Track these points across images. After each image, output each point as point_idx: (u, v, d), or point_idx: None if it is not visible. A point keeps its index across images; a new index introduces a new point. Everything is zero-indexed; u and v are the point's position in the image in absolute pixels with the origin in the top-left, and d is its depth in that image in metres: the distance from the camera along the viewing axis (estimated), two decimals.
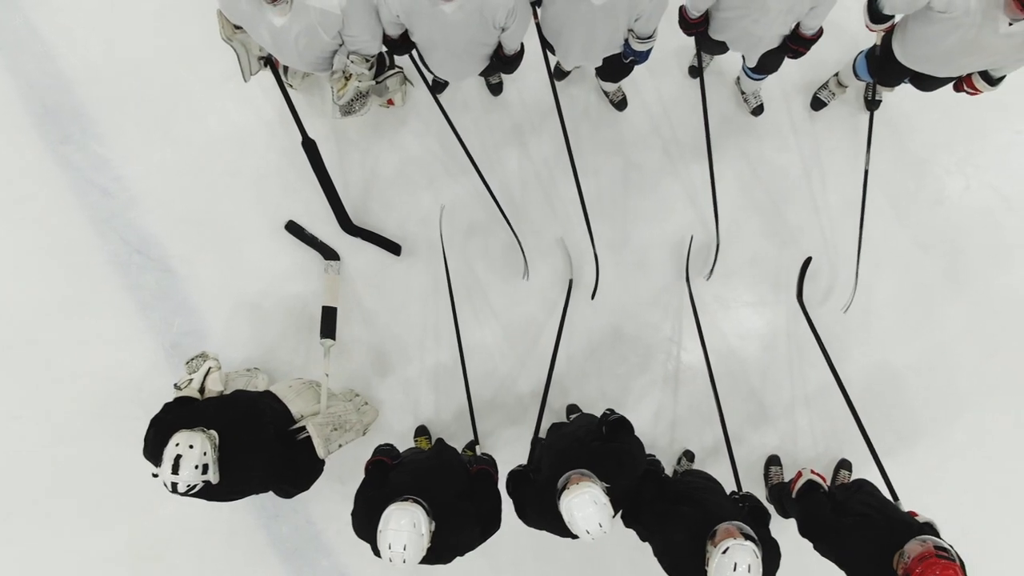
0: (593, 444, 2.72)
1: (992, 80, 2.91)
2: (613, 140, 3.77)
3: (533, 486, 2.71)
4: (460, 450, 3.62)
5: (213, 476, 2.53)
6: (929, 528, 2.69)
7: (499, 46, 2.98)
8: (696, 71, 3.72)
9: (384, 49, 3.00)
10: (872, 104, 3.67)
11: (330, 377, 3.61)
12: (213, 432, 2.60)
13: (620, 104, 3.73)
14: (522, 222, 3.71)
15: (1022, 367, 3.71)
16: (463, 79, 3.17)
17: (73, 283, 3.74)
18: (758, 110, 3.71)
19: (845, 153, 3.71)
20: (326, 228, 3.72)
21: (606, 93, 3.70)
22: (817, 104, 3.74)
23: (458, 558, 2.64)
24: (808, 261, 3.67)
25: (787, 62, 3.69)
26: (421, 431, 3.69)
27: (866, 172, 3.36)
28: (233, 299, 3.75)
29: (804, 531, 2.80)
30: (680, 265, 3.73)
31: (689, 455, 3.69)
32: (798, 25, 2.91)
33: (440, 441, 2.97)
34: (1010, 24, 2.51)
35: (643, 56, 3.05)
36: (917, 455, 3.74)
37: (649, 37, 2.93)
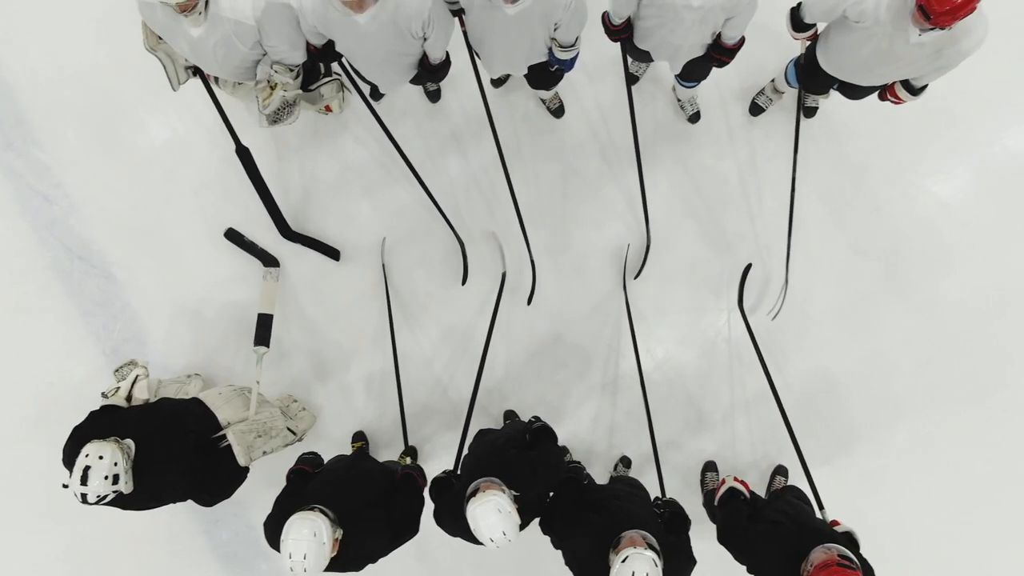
0: (510, 452, 2.74)
1: (914, 90, 2.91)
2: (552, 146, 3.78)
3: (452, 493, 2.73)
4: (397, 456, 3.66)
5: (125, 486, 2.55)
6: (847, 538, 2.71)
7: (425, 55, 2.99)
8: (634, 78, 3.72)
9: (306, 59, 3.01)
10: (807, 111, 3.69)
11: (270, 383, 3.67)
12: (129, 441, 2.62)
13: (557, 111, 3.74)
14: (462, 228, 3.72)
15: (959, 372, 3.71)
16: (393, 87, 3.19)
17: (15, 289, 3.78)
18: (695, 117, 3.72)
19: (783, 159, 3.70)
20: (267, 233, 3.73)
21: (543, 100, 3.71)
22: (755, 110, 3.74)
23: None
24: (748, 268, 3.68)
25: (725, 68, 3.70)
26: (359, 437, 3.70)
27: (793, 180, 3.37)
28: (174, 305, 3.78)
29: (720, 538, 2.81)
30: (620, 271, 3.74)
31: (626, 461, 3.71)
32: (719, 35, 2.91)
33: (360, 448, 2.98)
34: (920, 34, 2.51)
35: (568, 64, 3.05)
36: (856, 460, 3.76)
37: (571, 46, 2.94)
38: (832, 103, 3.65)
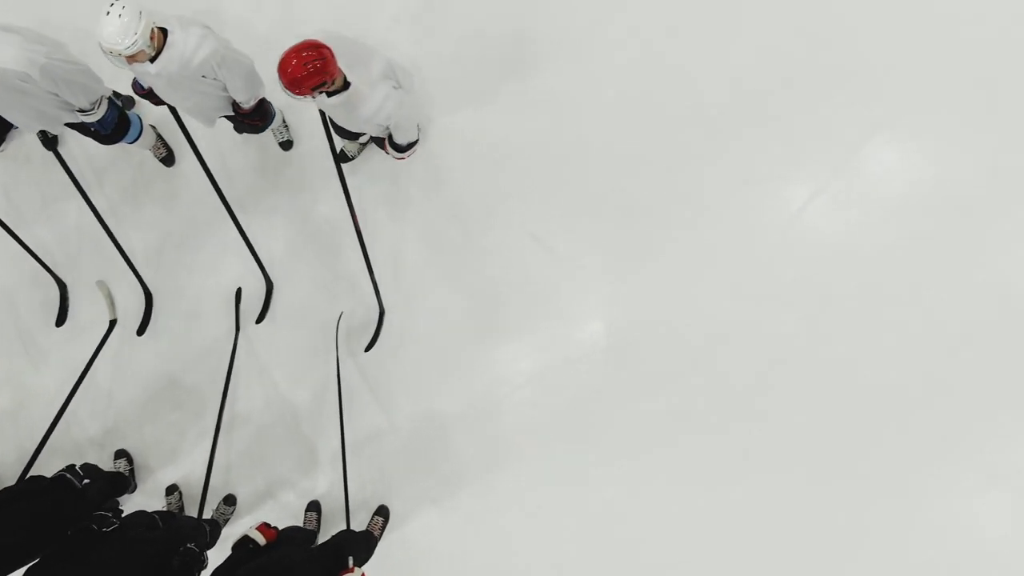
0: (16, 503, 2.89)
1: (397, 147, 3.08)
2: (167, 192, 3.87)
3: None
4: None
5: None
6: None
7: None
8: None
9: None
10: (340, 158, 3.71)
11: None
12: None
13: (166, 160, 3.82)
14: (80, 271, 3.86)
15: (563, 413, 3.76)
16: None
17: None
18: (286, 145, 3.77)
19: (389, 202, 3.78)
20: None
21: (149, 150, 3.80)
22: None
23: None
24: (341, 315, 3.77)
25: None
26: None
27: (357, 228, 3.41)
28: None
29: None
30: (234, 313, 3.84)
31: (229, 499, 3.81)
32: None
33: None
34: (327, 97, 2.62)
35: (102, 126, 3.16)
36: (463, 501, 3.83)
37: (89, 110, 3.04)
38: (437, 143, 3.71)
